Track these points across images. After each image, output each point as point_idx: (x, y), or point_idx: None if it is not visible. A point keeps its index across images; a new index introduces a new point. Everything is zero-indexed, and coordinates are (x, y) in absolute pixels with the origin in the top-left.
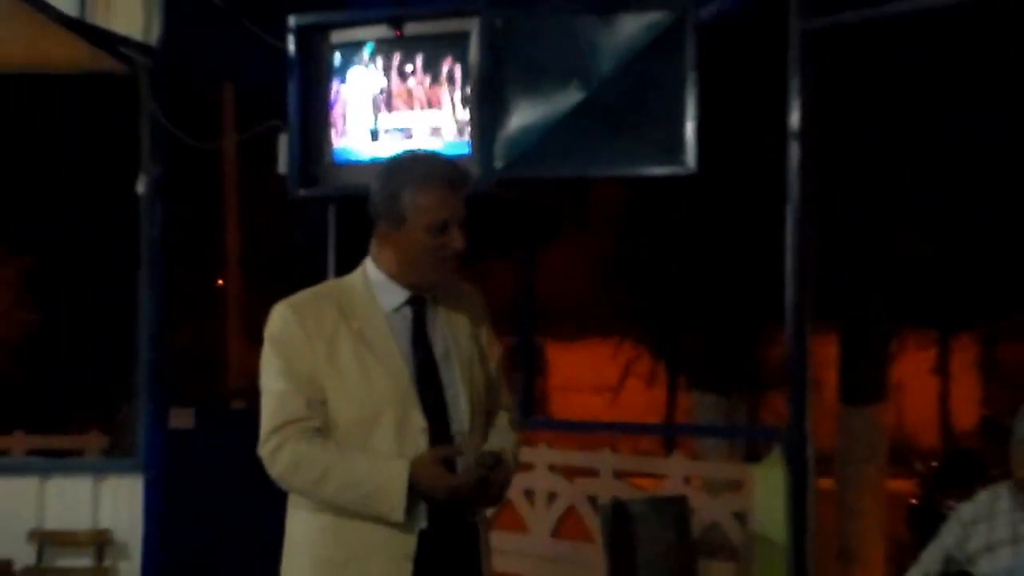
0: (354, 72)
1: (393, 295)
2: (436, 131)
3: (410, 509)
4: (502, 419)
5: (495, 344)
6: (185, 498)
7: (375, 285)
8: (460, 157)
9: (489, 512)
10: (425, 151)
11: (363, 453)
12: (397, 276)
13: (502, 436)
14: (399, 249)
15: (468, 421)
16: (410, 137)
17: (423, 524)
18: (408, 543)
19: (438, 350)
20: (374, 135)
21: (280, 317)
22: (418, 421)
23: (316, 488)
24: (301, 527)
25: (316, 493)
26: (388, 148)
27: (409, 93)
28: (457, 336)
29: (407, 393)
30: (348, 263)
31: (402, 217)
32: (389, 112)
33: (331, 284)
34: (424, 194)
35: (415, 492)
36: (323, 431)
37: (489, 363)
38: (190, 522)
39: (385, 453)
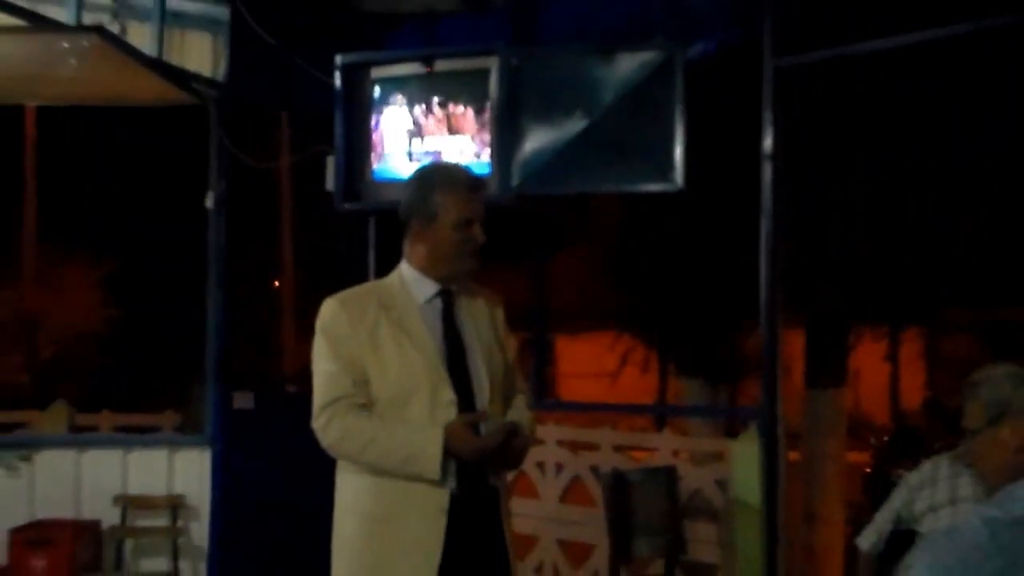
0: (391, 103)
1: (425, 288)
2: (461, 153)
3: (444, 469)
4: (519, 401)
5: (511, 338)
6: (246, 468)
7: (409, 281)
8: (482, 176)
9: (509, 479)
10: (447, 162)
11: (402, 423)
12: (428, 270)
13: (519, 413)
14: (430, 244)
15: (488, 396)
16: (439, 158)
17: (453, 485)
18: (442, 498)
19: (465, 335)
20: (409, 157)
21: (329, 309)
22: (448, 395)
23: (362, 454)
24: (349, 489)
25: (362, 459)
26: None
27: (438, 121)
28: (478, 325)
29: (438, 371)
30: (385, 267)
31: (433, 214)
32: (421, 137)
33: (372, 283)
34: (450, 195)
35: (448, 453)
36: (367, 406)
37: (506, 352)
38: (250, 489)
39: (420, 423)
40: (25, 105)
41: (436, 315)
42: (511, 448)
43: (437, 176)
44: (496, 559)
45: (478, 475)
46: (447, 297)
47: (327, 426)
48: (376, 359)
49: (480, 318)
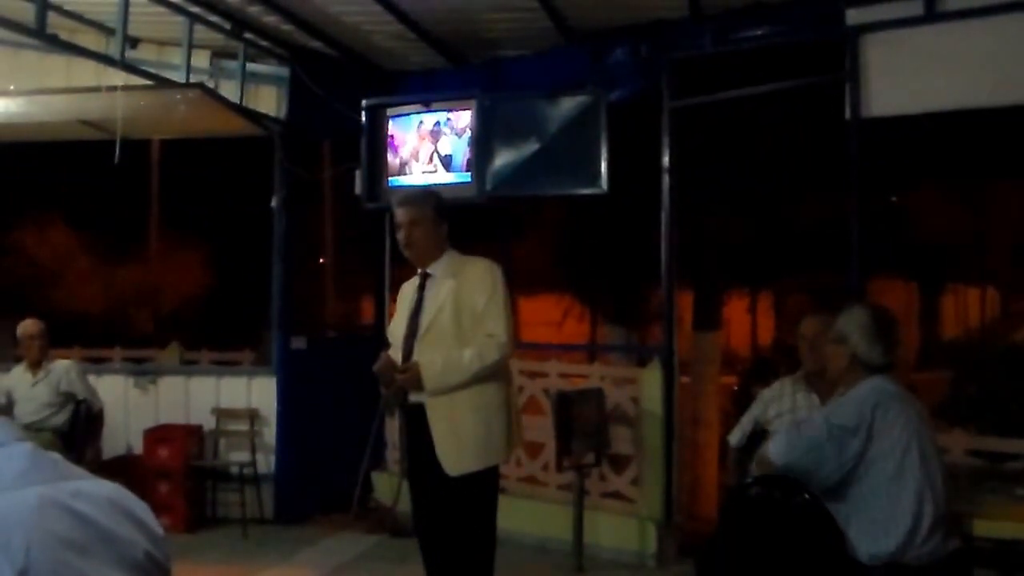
0: (401, 132)
1: (417, 273)
2: (450, 168)
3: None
4: (478, 340)
5: (494, 298)
6: (301, 390)
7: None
8: (464, 184)
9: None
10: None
11: None
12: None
13: (456, 352)
14: None
15: (423, 340)
16: (435, 171)
17: (389, 397)
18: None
19: (425, 302)
20: (414, 170)
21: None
22: (400, 337)
23: None
24: None
25: None
26: (420, 179)
27: (435, 144)
28: (438, 295)
29: (402, 327)
30: (398, 251)
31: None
32: (421, 155)
33: None
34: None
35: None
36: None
37: (473, 307)
38: (304, 405)
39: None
40: (152, 139)
41: (416, 291)
42: (402, 377)
43: (393, 197)
44: (426, 447)
45: (404, 393)
46: (424, 279)
47: None
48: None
49: (442, 291)
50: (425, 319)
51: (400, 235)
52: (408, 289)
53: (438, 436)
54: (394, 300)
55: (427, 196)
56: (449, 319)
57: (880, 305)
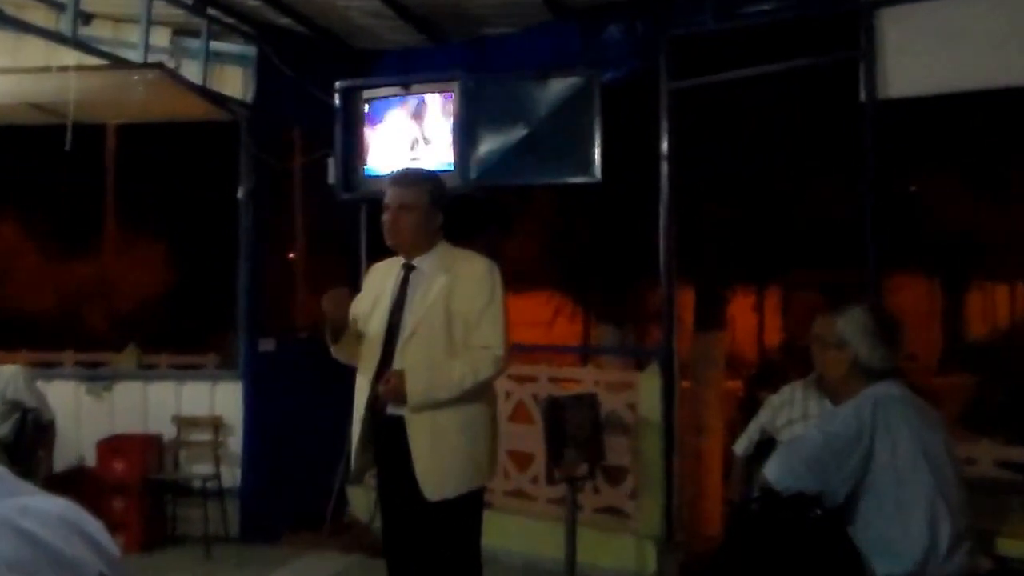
0: (378, 117)
1: (400, 262)
2: (432, 155)
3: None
4: (472, 351)
5: (490, 304)
6: (269, 396)
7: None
8: (445, 173)
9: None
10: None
11: None
12: None
13: (452, 361)
14: None
15: (406, 345)
16: (415, 159)
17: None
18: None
19: (408, 299)
20: (391, 158)
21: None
22: (378, 336)
23: None
24: None
25: None
26: (400, 167)
27: (414, 130)
28: (427, 293)
29: (383, 323)
30: (375, 244)
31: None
32: (400, 142)
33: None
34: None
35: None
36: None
37: (467, 313)
38: (272, 412)
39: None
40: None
41: (397, 284)
42: (383, 388)
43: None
44: (402, 467)
45: (380, 402)
46: (407, 270)
47: None
48: (364, 307)
49: (433, 289)
50: (410, 319)
51: (386, 218)
52: (382, 274)
53: (418, 456)
54: None
55: (425, 179)
56: (439, 324)
57: (881, 305)
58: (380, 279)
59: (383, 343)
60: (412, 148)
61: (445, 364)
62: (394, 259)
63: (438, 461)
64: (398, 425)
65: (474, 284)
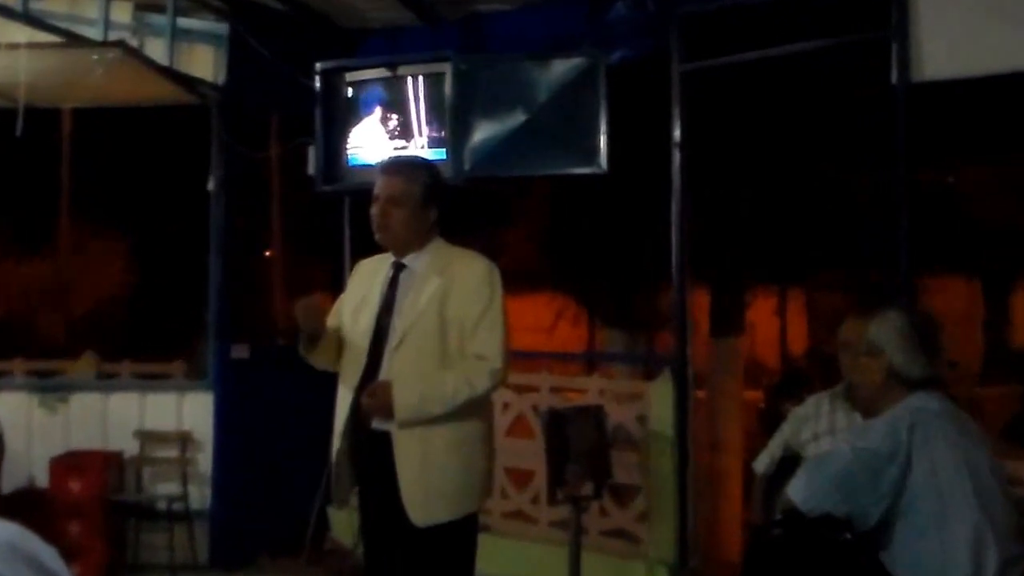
0: (362, 101)
1: (389, 261)
2: (421, 143)
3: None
4: (467, 361)
5: (481, 307)
6: (243, 409)
7: (387, 255)
8: (438, 162)
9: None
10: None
11: None
12: None
13: (445, 373)
14: None
15: (394, 355)
16: (403, 148)
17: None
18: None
19: (397, 303)
20: (377, 147)
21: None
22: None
23: None
24: None
25: None
26: (388, 156)
27: (402, 115)
28: (418, 297)
29: (368, 330)
30: (359, 240)
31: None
32: (387, 129)
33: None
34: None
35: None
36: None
37: (463, 320)
38: (246, 426)
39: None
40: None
41: (385, 285)
42: (369, 401)
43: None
44: (387, 488)
45: (365, 418)
46: (397, 269)
47: None
48: (349, 309)
49: (425, 292)
50: (399, 325)
51: (374, 211)
52: (369, 273)
53: (405, 476)
54: None
55: (419, 169)
56: (432, 331)
57: (917, 308)
58: (367, 279)
59: (369, 350)
60: (400, 136)
61: (437, 375)
62: (382, 256)
63: (427, 483)
64: (383, 442)
65: (472, 287)
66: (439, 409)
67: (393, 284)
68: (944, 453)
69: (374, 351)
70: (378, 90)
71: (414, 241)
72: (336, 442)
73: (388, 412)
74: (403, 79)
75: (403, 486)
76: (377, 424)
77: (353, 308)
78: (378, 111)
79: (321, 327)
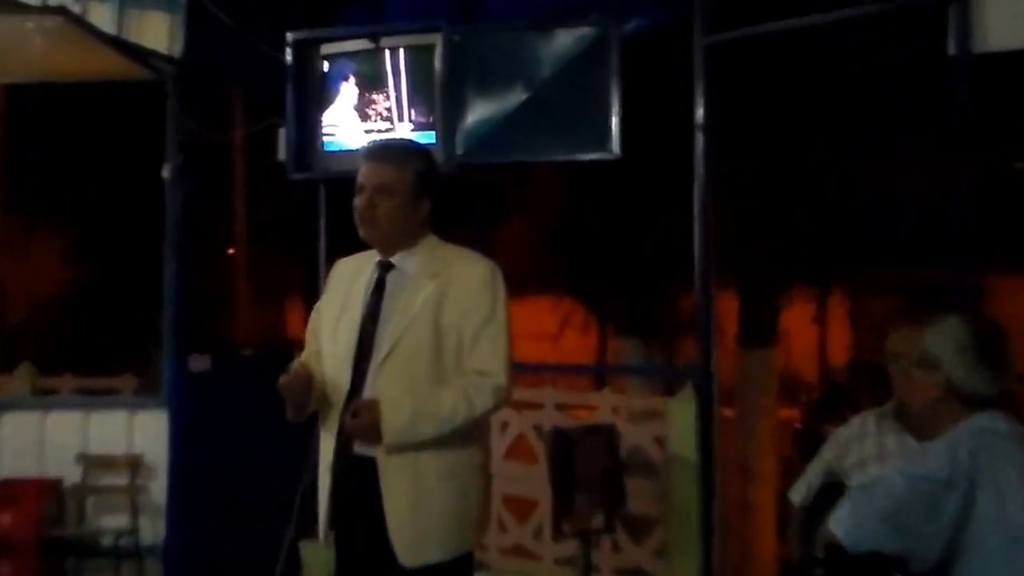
0: (340, 77)
1: (374, 259)
2: (408, 125)
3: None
4: (464, 376)
5: (483, 315)
6: (203, 428)
7: (373, 251)
8: (427, 146)
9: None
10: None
11: None
12: None
13: (440, 390)
14: None
15: (380, 371)
16: (387, 129)
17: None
18: (328, 455)
19: (384, 310)
20: (357, 129)
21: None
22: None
23: None
24: None
25: None
26: (368, 139)
27: (386, 94)
28: (409, 302)
29: (352, 341)
30: (336, 234)
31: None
32: (368, 109)
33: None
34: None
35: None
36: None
37: (461, 330)
38: (207, 448)
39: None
40: None
41: (369, 288)
42: (353, 422)
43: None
44: (371, 522)
45: (348, 442)
46: (384, 270)
47: None
48: (328, 318)
49: (417, 297)
50: (387, 336)
51: (358, 203)
52: (351, 274)
53: (393, 509)
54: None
55: (411, 154)
56: (425, 342)
57: (980, 314)
58: (347, 281)
59: (352, 365)
60: (382, 117)
61: (431, 393)
62: (365, 255)
63: (418, 516)
64: (368, 469)
65: (471, 292)
66: (433, 430)
67: (379, 287)
68: (1014, 482)
69: (358, 366)
70: (358, 64)
71: (404, 238)
72: (323, 476)
73: (375, 434)
74: (386, 52)
75: (390, 520)
76: (360, 449)
77: (333, 316)
78: (357, 89)
79: (307, 398)
